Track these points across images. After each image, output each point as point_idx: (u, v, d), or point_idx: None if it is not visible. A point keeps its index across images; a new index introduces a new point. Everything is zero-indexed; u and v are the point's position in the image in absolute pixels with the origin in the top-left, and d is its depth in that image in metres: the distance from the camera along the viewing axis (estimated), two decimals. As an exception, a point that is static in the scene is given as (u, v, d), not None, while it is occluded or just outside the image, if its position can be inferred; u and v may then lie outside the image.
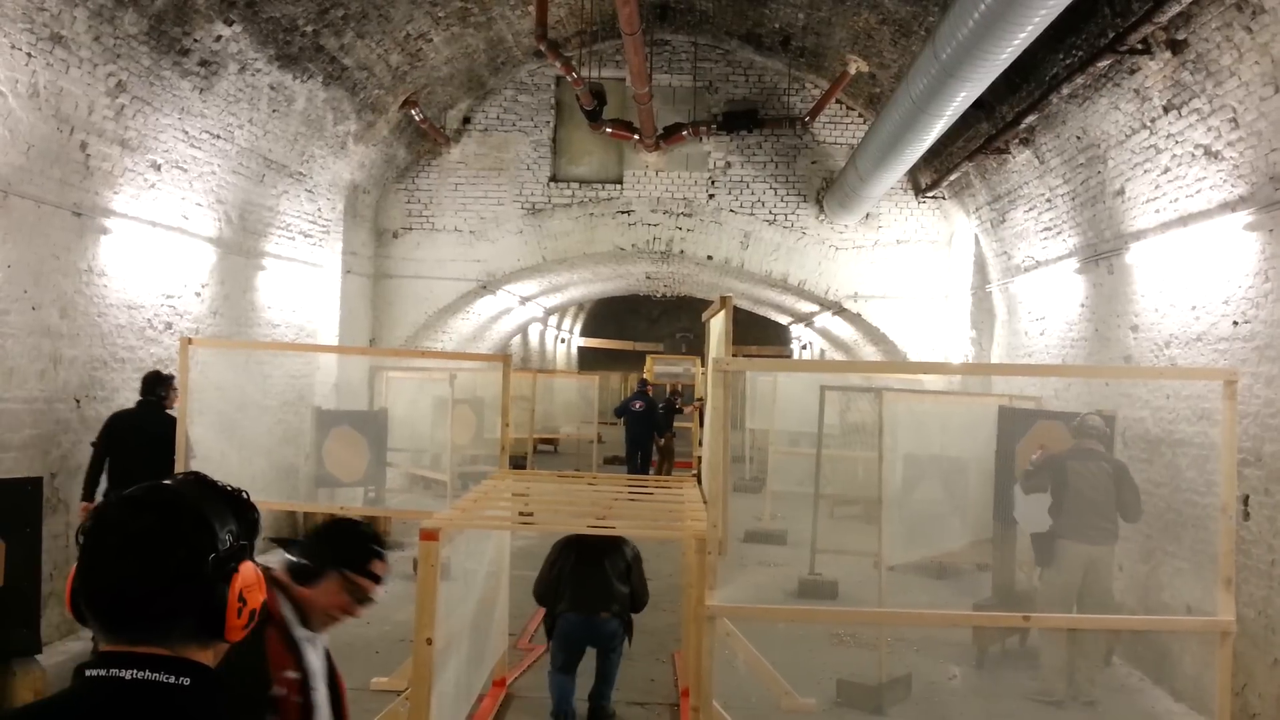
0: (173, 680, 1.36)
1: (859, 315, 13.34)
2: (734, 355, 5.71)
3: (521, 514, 5.66)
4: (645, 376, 19.24)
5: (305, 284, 11.28)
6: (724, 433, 4.48)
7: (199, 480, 1.53)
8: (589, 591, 5.81)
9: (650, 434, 16.93)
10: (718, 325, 5.76)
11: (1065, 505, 6.74)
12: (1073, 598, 6.73)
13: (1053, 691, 6.68)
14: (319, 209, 11.31)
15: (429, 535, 4.28)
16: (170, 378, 7.18)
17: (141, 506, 1.43)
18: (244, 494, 1.56)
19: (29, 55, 6.25)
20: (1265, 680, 5.82)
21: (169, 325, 8.47)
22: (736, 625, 6.64)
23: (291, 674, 2.49)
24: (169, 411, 6.99)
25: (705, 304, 13.32)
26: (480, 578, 5.97)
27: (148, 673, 1.35)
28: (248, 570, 1.47)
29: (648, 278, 17.55)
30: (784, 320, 21.13)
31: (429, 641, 4.21)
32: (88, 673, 1.37)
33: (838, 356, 17.56)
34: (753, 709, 6.20)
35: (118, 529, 1.41)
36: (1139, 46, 6.49)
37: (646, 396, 17.43)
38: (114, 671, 1.36)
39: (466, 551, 5.87)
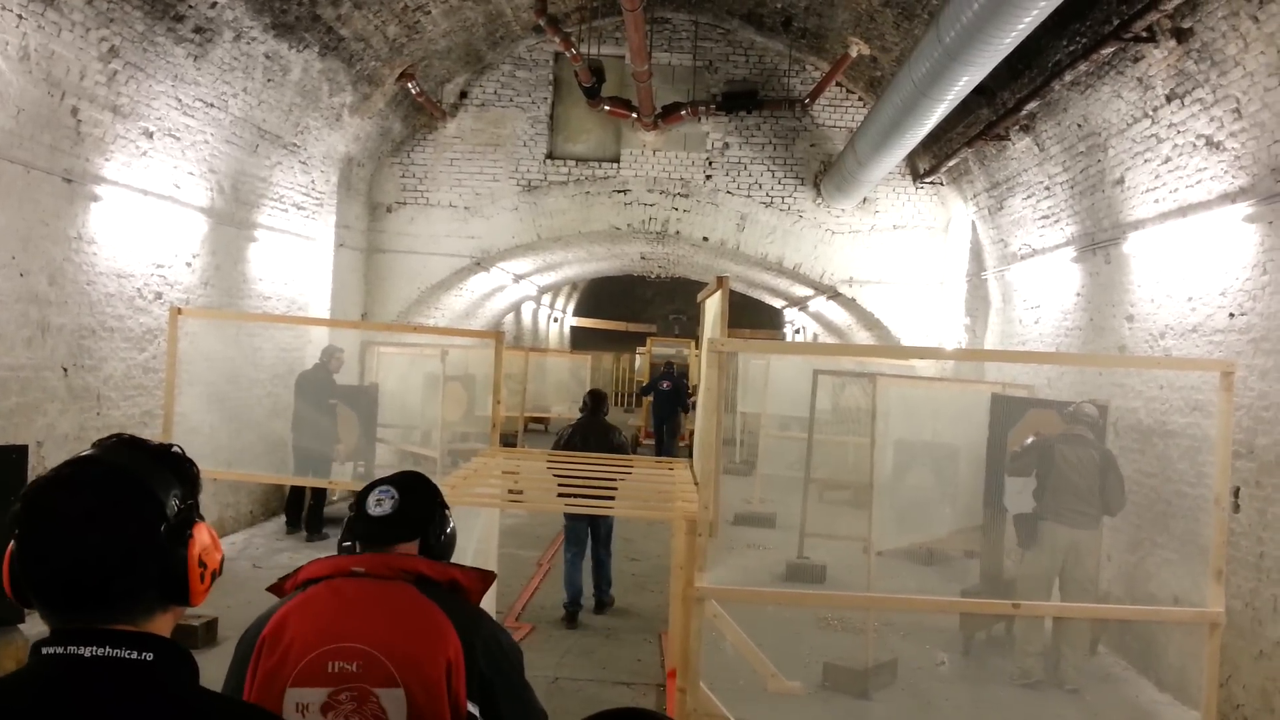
0: (135, 656, 1.29)
1: (854, 300, 13.31)
2: (728, 337, 5.67)
3: (511, 492, 5.64)
4: (672, 359, 21.24)
5: (297, 257, 11.20)
6: (717, 414, 4.44)
7: (129, 444, 1.41)
8: None
9: (676, 411, 18.20)
10: (713, 306, 5.73)
11: (1049, 487, 6.80)
12: (1053, 580, 6.80)
13: (1030, 673, 6.71)
14: (312, 181, 11.22)
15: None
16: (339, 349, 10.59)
17: (76, 486, 1.33)
18: (176, 448, 1.44)
19: (20, 17, 6.16)
20: (1250, 672, 5.84)
21: (159, 295, 8.40)
22: (724, 607, 6.63)
23: None
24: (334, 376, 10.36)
25: (699, 286, 13.27)
26: (469, 555, 5.94)
27: (108, 649, 1.28)
28: (202, 533, 1.40)
29: (643, 258, 17.50)
30: (778, 304, 21.11)
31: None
32: (44, 650, 1.30)
33: (831, 341, 17.55)
34: (739, 691, 6.20)
35: (56, 515, 1.31)
36: (1143, 34, 6.44)
37: (673, 377, 18.68)
38: (72, 649, 1.28)
39: (456, 528, 5.83)
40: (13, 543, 1.33)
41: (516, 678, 2.16)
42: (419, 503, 2.33)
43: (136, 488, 1.34)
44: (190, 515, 1.39)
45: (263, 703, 2.00)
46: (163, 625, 1.38)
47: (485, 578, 2.25)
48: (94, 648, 1.28)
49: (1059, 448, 6.82)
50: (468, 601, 2.19)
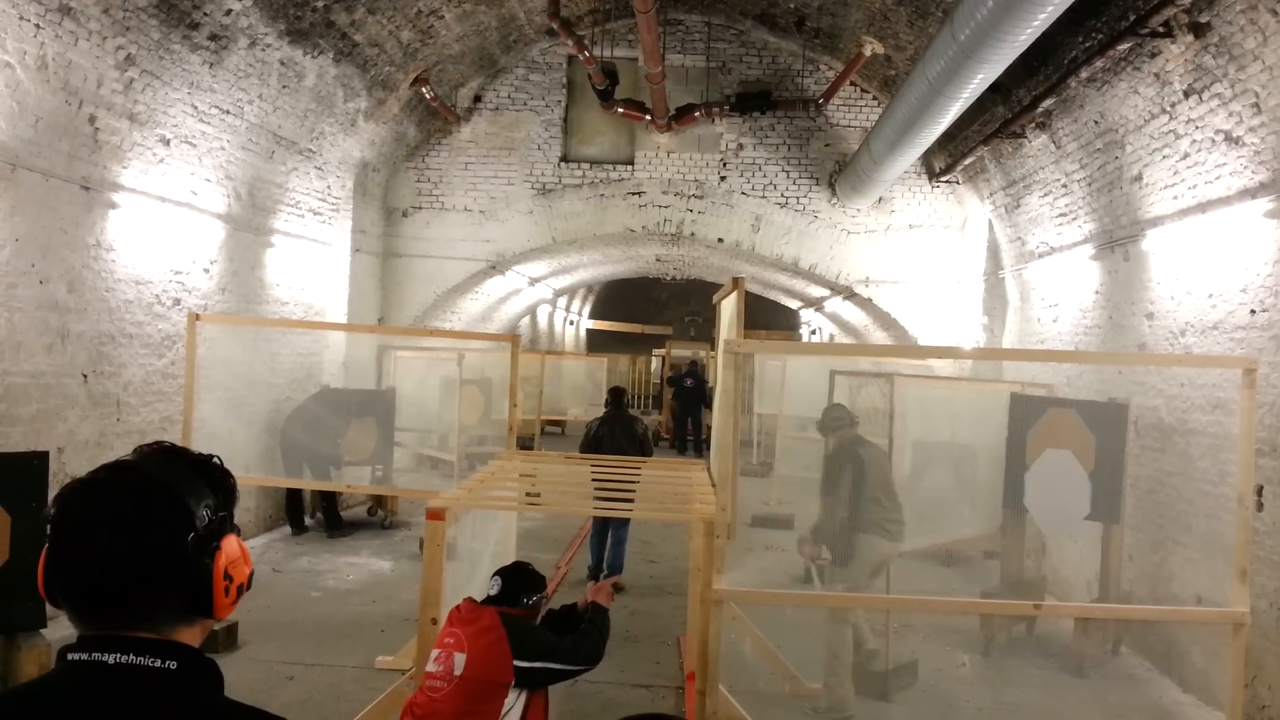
0: (159, 664, 1.29)
1: (870, 300, 13.26)
2: (744, 338, 5.65)
3: (528, 495, 5.64)
4: (696, 358, 23.11)
5: (314, 262, 11.24)
6: (734, 416, 4.43)
7: (167, 451, 1.41)
8: (611, 450, 8.18)
9: (700, 406, 19.55)
10: (729, 307, 5.72)
11: (862, 496, 5.99)
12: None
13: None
14: (328, 186, 11.26)
15: (435, 515, 4.25)
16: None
17: (108, 490, 1.33)
18: (216, 459, 1.44)
19: (37, 26, 6.21)
20: (1275, 672, 5.77)
21: (177, 301, 8.45)
22: (743, 609, 6.61)
23: None
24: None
25: (714, 288, 13.26)
26: (486, 558, 5.95)
27: (132, 656, 1.28)
28: (231, 545, 1.39)
29: (658, 260, 17.48)
30: (793, 305, 21.05)
31: (434, 621, 4.19)
32: (70, 656, 1.30)
33: (848, 341, 17.49)
34: (758, 693, 6.18)
35: (86, 518, 1.31)
36: (1160, 29, 6.39)
37: (697, 375, 20.33)
38: (96, 655, 1.28)
39: (473, 532, 5.85)
40: (46, 545, 1.34)
41: (540, 637, 3.85)
42: (514, 584, 3.99)
43: (166, 495, 1.34)
44: (221, 527, 1.38)
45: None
46: (191, 635, 1.37)
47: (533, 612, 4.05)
48: (118, 655, 1.28)
49: (861, 451, 6.14)
50: (514, 614, 3.90)
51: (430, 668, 3.67)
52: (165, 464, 1.38)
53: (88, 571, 1.31)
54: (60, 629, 6.16)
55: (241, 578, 1.41)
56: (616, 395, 9.38)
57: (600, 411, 9.39)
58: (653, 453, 9.12)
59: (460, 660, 3.56)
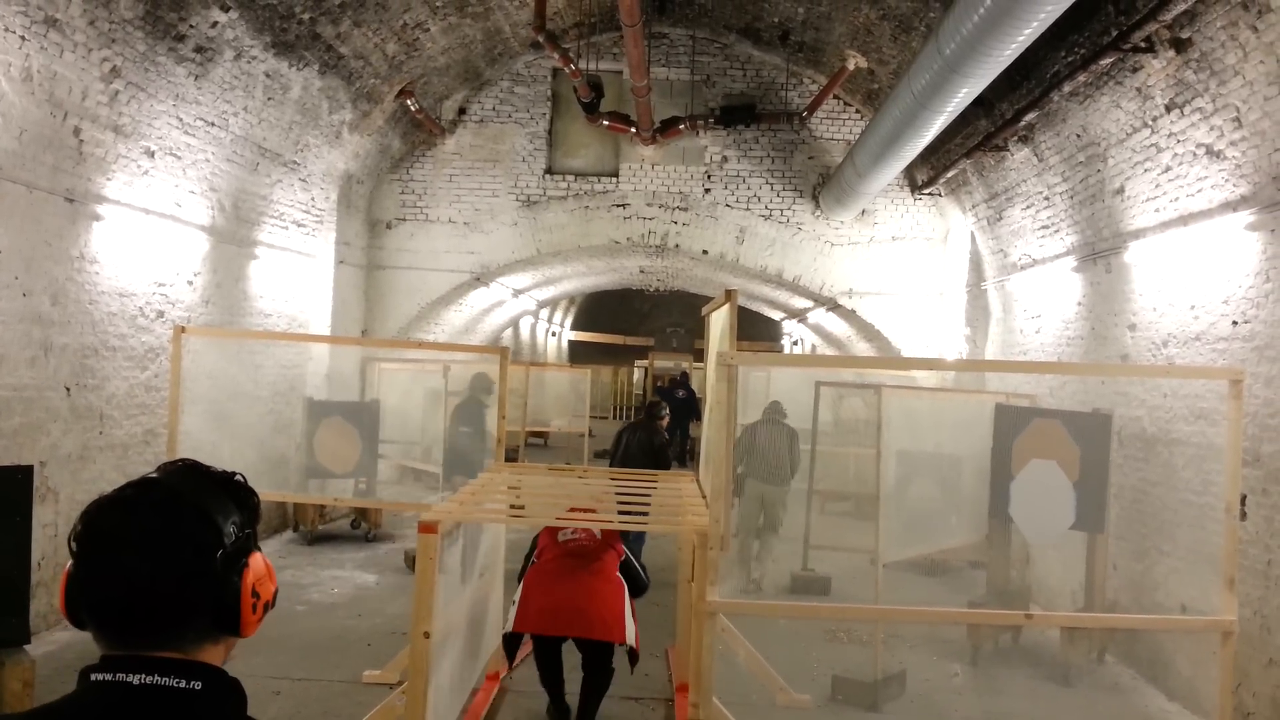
0: (184, 685, 1.28)
1: (853, 312, 13.32)
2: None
3: (513, 507, 5.63)
4: (686, 369, 24.12)
5: (298, 274, 11.19)
6: (728, 428, 4.44)
7: (192, 469, 1.41)
8: (631, 460, 9.14)
9: (690, 419, 19.89)
10: (720, 319, 5.73)
11: (754, 456, 9.61)
12: (759, 516, 9.65)
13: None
14: (313, 198, 11.23)
15: (428, 528, 4.23)
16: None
17: (135, 508, 1.32)
18: (239, 477, 1.44)
19: (22, 38, 6.17)
20: (1260, 680, 5.83)
21: (161, 313, 8.39)
22: (732, 620, 6.62)
23: None
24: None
25: (697, 299, 13.29)
26: (476, 568, 5.93)
27: (156, 677, 1.27)
28: (257, 562, 1.38)
29: (642, 272, 17.51)
30: (776, 316, 21.11)
31: (426, 635, 4.17)
32: (92, 676, 1.28)
33: (831, 353, 17.56)
34: (749, 705, 6.17)
35: (115, 536, 1.30)
36: (1142, 45, 6.47)
37: (688, 386, 21.05)
38: (120, 676, 1.27)
39: (462, 544, 5.83)
40: (70, 563, 1.32)
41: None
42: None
43: (195, 513, 1.33)
44: (247, 544, 1.37)
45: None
46: (215, 654, 1.36)
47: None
48: (142, 675, 1.27)
49: (759, 428, 9.76)
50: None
51: (568, 535, 5.62)
52: (191, 481, 1.38)
53: (116, 590, 1.29)
54: (42, 645, 6.09)
55: (267, 595, 1.40)
56: (649, 407, 10.39)
57: (604, 422, 10.03)
58: (669, 465, 9.55)
59: (597, 530, 5.48)
